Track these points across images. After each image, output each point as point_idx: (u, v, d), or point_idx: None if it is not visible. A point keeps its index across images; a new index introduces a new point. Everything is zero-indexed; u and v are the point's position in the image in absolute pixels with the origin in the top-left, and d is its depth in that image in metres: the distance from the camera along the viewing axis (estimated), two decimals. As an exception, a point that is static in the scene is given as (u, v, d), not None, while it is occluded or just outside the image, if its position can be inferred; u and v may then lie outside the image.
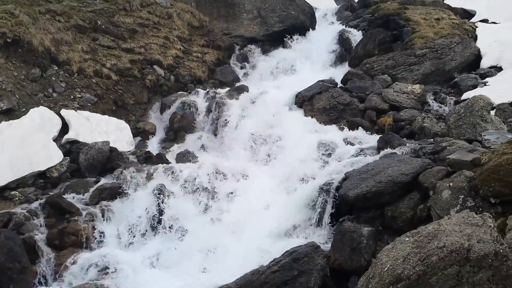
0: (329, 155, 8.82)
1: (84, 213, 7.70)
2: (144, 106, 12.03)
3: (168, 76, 12.82)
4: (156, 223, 8.00)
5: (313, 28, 16.22)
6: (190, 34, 14.67)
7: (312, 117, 10.44)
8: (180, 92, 12.42)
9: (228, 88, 12.52)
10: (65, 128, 9.71)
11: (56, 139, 9.40)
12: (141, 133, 11.24)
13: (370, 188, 6.49)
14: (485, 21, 13.80)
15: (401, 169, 6.53)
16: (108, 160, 9.21)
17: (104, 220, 7.82)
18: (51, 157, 8.90)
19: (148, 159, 9.61)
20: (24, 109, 9.67)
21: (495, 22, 13.50)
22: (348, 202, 6.78)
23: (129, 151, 10.04)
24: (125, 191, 8.24)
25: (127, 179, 8.51)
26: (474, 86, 10.48)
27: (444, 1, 15.98)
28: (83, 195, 8.18)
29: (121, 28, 13.19)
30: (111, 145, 9.49)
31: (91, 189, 8.28)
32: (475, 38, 12.67)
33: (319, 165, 8.62)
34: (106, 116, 10.66)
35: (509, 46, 11.62)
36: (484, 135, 7.03)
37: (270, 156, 9.83)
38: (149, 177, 8.63)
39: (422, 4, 15.37)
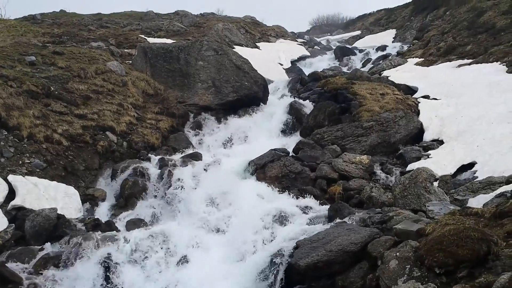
0: (281, 223, 8.86)
1: (27, 283, 7.33)
2: (95, 172, 11.85)
3: (120, 142, 12.78)
4: (103, 294, 7.69)
5: (266, 99, 16.74)
6: (144, 102, 14.83)
7: (264, 185, 10.56)
8: (133, 159, 12.35)
9: (181, 155, 12.57)
10: (12, 193, 9.41)
11: (2, 205, 9.09)
12: (91, 199, 10.99)
13: (321, 257, 6.55)
14: (426, 97, 14.65)
15: (350, 238, 6.64)
16: (55, 227, 8.93)
17: (48, 290, 7.46)
18: (-5, 224, 8.55)
19: (97, 226, 9.38)
20: (-31, 174, 9.37)
21: (436, 98, 14.34)
22: (300, 271, 6.77)
23: (77, 218, 9.77)
24: (71, 260, 7.93)
25: (74, 247, 8.21)
26: (418, 158, 10.98)
27: (388, 78, 16.97)
28: (27, 264, 7.82)
29: (74, 94, 13.20)
30: (58, 212, 9.23)
31: (36, 258, 7.95)
32: (417, 112, 13.42)
33: (271, 233, 8.63)
34: (54, 182, 10.41)
35: (448, 121, 12.35)
36: (428, 206, 7.31)
37: (222, 224, 9.78)
38: (97, 245, 8.37)
39: (368, 79, 16.28)
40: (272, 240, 8.27)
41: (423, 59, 20.28)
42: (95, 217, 10.02)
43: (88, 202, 10.87)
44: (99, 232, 8.93)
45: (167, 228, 9.32)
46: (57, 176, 10.80)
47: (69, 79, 13.65)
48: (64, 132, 11.77)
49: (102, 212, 10.76)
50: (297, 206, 9.42)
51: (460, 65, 17.15)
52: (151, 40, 22.49)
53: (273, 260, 7.31)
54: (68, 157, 11.43)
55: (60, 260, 7.89)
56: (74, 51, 15.99)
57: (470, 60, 17.29)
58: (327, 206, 9.02)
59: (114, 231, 9.14)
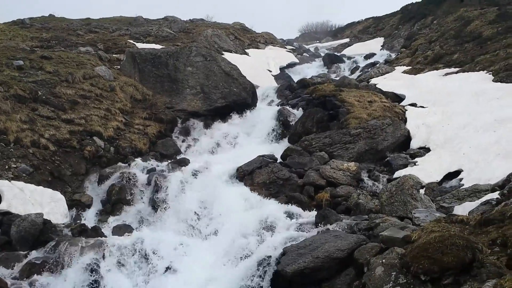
0: (268, 229, 8.86)
1: (13, 288, 7.26)
2: (82, 178, 11.75)
3: (108, 148, 12.70)
4: (88, 300, 7.62)
5: (255, 105, 16.76)
6: (132, 107, 14.78)
7: (252, 191, 10.55)
8: (120, 164, 12.27)
9: (169, 161, 12.53)
10: (-3, 198, 9.31)
11: (-13, 211, 8.97)
12: (77, 205, 10.90)
13: (307, 264, 6.56)
14: (413, 105, 14.76)
15: (337, 244, 6.67)
16: (41, 232, 8.83)
17: (33, 296, 7.38)
18: (-20, 229, 8.45)
19: (83, 232, 9.29)
20: (-47, 179, 9.25)
21: (423, 106, 14.46)
22: (286, 278, 6.78)
23: (63, 224, 9.68)
24: (57, 266, 7.86)
25: (60, 253, 8.14)
26: (405, 165, 11.06)
27: (376, 86, 17.08)
28: (12, 269, 7.76)
29: (62, 99, 13.12)
30: (45, 217, 9.14)
31: (22, 263, 7.88)
32: (405, 120, 13.52)
33: (258, 239, 8.62)
34: (40, 187, 10.30)
35: (435, 129, 12.45)
36: (414, 213, 7.36)
37: (210, 230, 9.76)
38: (83, 251, 8.30)
39: (356, 87, 16.36)
40: (259, 247, 8.26)
41: (410, 67, 20.46)
42: (82, 222, 9.93)
43: (74, 208, 10.78)
44: (86, 238, 8.85)
45: (154, 234, 9.29)
46: (44, 181, 10.70)
47: (57, 84, 13.57)
48: (51, 137, 11.68)
49: (89, 217, 10.68)
50: (284, 212, 9.42)
51: (447, 74, 17.32)
52: (140, 45, 22.43)
53: (260, 267, 7.31)
54: (55, 162, 11.34)
55: (46, 266, 7.83)
56: (62, 55, 15.91)
57: (457, 69, 17.47)
58: (315, 213, 9.04)
59: (101, 237, 9.06)
